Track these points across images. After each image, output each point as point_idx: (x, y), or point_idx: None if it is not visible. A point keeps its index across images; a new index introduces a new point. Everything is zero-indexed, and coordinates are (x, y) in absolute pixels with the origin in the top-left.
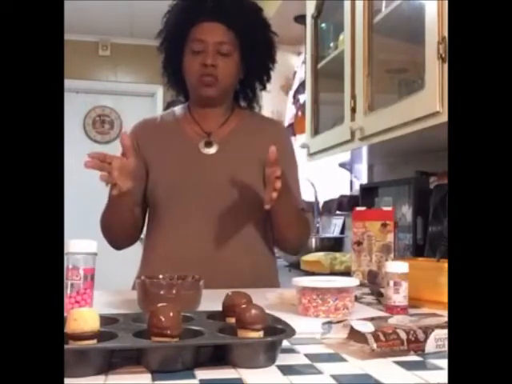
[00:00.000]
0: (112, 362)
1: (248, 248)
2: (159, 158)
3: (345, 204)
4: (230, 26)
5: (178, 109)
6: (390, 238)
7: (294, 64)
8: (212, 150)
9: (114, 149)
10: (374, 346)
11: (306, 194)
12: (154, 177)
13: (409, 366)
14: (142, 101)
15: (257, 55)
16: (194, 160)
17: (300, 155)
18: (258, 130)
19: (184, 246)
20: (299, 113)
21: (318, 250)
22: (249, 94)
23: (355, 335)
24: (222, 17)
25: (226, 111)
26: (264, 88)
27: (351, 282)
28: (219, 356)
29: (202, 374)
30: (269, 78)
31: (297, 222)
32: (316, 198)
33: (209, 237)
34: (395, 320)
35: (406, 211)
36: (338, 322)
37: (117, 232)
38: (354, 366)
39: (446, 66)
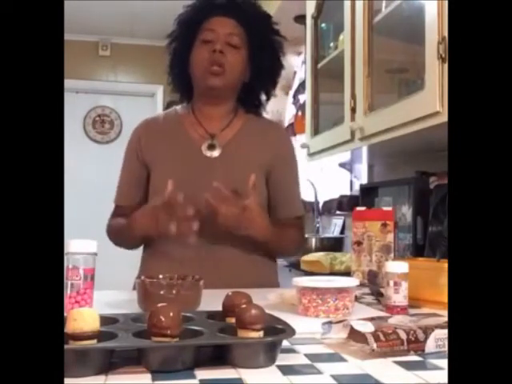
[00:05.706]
0: (112, 361)
1: (247, 249)
2: (162, 159)
3: (345, 204)
4: (241, 23)
5: (180, 108)
6: (390, 238)
7: (293, 64)
8: (215, 153)
9: (114, 149)
10: (374, 346)
11: (306, 194)
12: (156, 178)
13: (409, 366)
14: (141, 101)
15: (264, 57)
16: (197, 163)
17: (300, 155)
18: (260, 134)
19: (183, 246)
20: (299, 113)
21: (318, 249)
22: (253, 100)
23: (355, 335)
24: (234, 13)
25: (230, 112)
26: (268, 98)
27: (351, 281)
28: (219, 356)
29: (202, 374)
30: (275, 85)
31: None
32: (316, 198)
33: (208, 238)
34: (395, 320)
35: (406, 211)
36: (338, 322)
37: (127, 247)
38: (354, 365)
39: (446, 66)
